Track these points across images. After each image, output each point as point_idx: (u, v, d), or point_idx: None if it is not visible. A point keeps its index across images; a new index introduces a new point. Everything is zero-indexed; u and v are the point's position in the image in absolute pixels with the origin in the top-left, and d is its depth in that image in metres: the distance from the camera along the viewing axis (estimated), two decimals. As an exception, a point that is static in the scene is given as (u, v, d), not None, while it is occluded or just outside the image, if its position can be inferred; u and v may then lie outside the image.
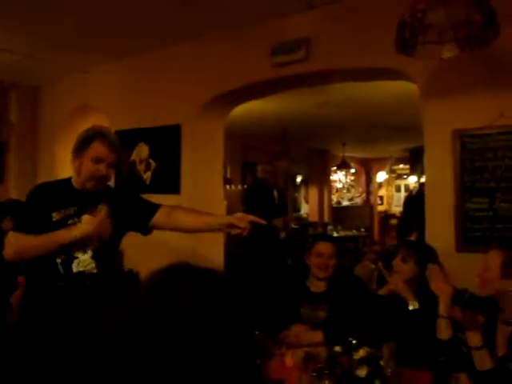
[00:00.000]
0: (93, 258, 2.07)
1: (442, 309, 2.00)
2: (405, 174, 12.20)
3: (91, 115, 4.91)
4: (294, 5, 3.32)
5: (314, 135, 8.91)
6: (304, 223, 10.58)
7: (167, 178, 4.21)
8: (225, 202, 5.01)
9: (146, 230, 2.23)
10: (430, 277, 2.10)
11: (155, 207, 2.22)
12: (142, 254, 3.34)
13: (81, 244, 2.02)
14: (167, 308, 0.62)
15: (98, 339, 0.64)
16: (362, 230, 10.74)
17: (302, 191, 11.54)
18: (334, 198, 12.52)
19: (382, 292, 2.54)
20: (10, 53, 4.22)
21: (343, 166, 10.36)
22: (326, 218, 11.41)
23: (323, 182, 11.59)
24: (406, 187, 12.04)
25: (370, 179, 13.46)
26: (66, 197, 2.12)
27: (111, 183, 2.39)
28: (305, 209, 11.57)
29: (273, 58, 3.50)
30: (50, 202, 2.09)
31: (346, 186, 12.84)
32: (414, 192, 9.00)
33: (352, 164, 11.26)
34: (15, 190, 5.11)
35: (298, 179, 11.25)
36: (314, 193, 11.51)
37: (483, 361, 1.74)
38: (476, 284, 1.95)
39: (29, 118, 5.42)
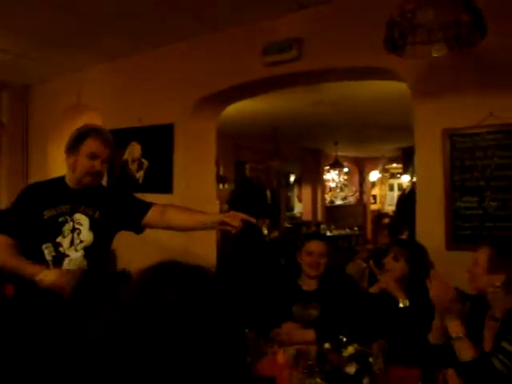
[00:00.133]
0: (84, 256, 2.08)
1: (453, 331, 1.80)
2: (398, 173, 12.26)
3: (83, 114, 4.88)
4: (285, 4, 3.33)
5: (306, 134, 8.91)
6: (297, 222, 10.60)
7: (160, 177, 4.19)
8: (217, 201, 5.01)
9: (138, 228, 2.23)
10: (432, 287, 1.91)
11: (148, 206, 2.23)
12: (135, 253, 3.32)
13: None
14: (156, 305, 0.62)
15: (87, 338, 0.64)
16: (356, 228, 10.79)
17: (296, 190, 11.55)
18: (328, 197, 12.55)
19: (372, 290, 2.56)
20: (2, 52, 4.19)
21: (336, 165, 10.38)
22: (320, 217, 11.43)
23: (316, 181, 11.60)
24: (399, 186, 12.10)
25: (363, 178, 13.51)
26: (59, 195, 2.12)
27: (104, 182, 2.39)
28: (298, 208, 11.58)
29: (265, 57, 3.50)
30: (43, 201, 2.09)
31: (339, 185, 12.88)
32: (406, 191, 9.03)
33: (345, 163, 11.29)
34: (6, 191, 5.07)
35: (292, 178, 11.25)
36: (307, 192, 11.52)
37: (464, 350, 1.74)
38: (466, 281, 1.96)
39: (20, 117, 5.36)
